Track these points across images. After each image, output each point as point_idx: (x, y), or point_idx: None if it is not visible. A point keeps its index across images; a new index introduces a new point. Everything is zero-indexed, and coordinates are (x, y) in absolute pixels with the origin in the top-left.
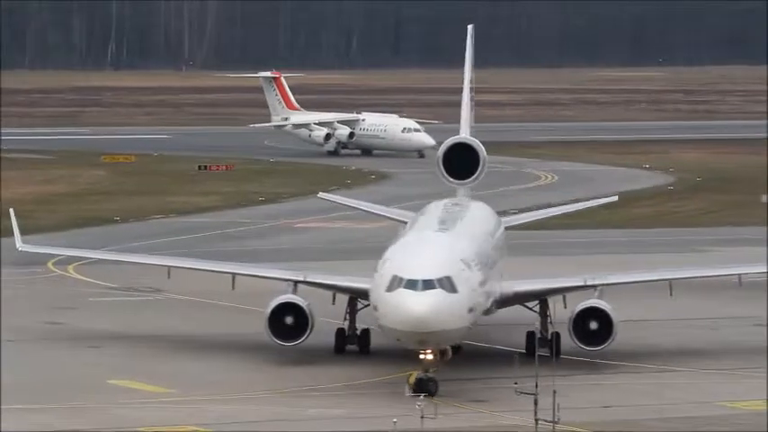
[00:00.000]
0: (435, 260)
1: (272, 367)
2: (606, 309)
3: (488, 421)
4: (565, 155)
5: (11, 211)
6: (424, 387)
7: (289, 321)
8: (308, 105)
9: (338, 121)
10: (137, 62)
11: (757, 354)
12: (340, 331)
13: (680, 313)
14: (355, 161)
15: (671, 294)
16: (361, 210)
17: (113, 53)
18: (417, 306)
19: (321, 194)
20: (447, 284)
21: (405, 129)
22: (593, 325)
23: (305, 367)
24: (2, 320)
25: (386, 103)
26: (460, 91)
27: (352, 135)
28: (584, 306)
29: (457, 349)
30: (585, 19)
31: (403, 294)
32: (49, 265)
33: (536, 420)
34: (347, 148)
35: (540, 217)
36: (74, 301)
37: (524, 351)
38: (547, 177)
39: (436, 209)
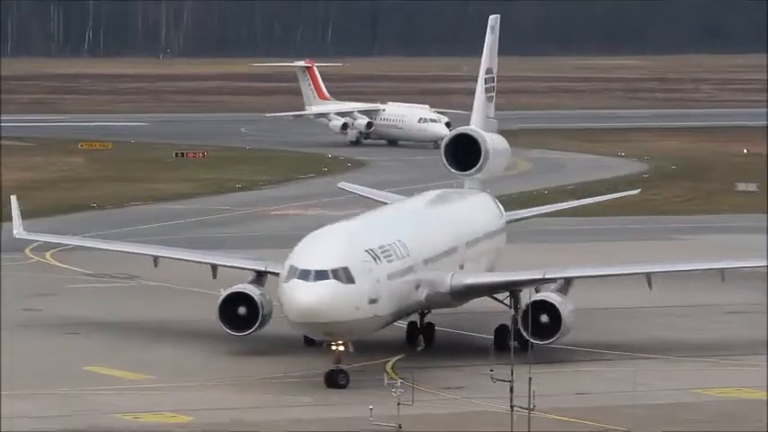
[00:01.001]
0: (334, 251)
1: (247, 355)
2: (555, 302)
3: (464, 408)
4: (541, 143)
5: (13, 198)
6: (335, 380)
7: (241, 312)
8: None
9: (359, 111)
10: (114, 50)
11: (729, 341)
12: None
13: (654, 301)
14: (341, 151)
15: (650, 288)
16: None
17: (90, 41)
18: (307, 296)
19: (342, 184)
20: (342, 275)
21: (421, 119)
22: (544, 318)
23: (281, 356)
24: None
25: (363, 90)
26: (438, 79)
27: (370, 125)
28: (535, 299)
29: (430, 341)
30: (562, 8)
31: (296, 285)
32: (27, 251)
33: (512, 407)
34: (369, 138)
35: (554, 210)
36: (51, 287)
37: (493, 345)
38: (522, 165)
39: (404, 200)
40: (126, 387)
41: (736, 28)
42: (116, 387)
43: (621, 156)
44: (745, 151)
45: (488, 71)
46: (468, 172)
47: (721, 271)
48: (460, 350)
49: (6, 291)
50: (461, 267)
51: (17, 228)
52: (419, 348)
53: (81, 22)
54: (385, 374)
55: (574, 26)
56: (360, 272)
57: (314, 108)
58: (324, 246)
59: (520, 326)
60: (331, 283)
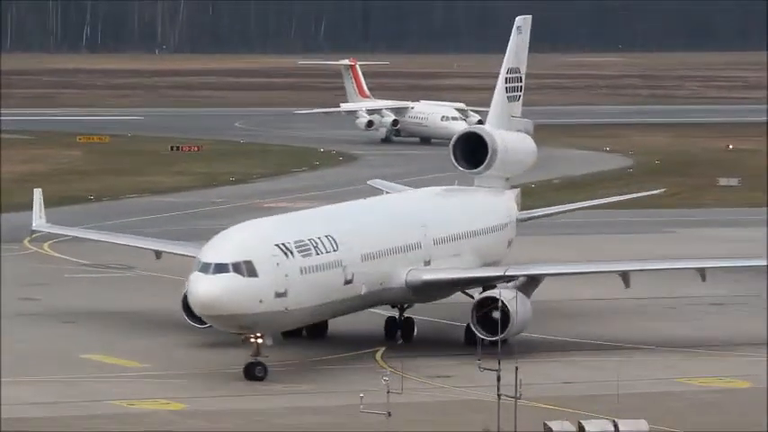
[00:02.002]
0: (239, 245)
1: (240, 345)
2: (504, 299)
3: (452, 396)
4: None
5: (37, 191)
6: (252, 372)
7: None
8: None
9: (388, 109)
10: (111, 45)
11: (713, 332)
12: None
13: (638, 293)
14: (333, 145)
15: (626, 286)
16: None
17: (88, 37)
18: (205, 289)
19: (371, 181)
20: (244, 268)
21: (443, 117)
22: (496, 314)
23: (274, 346)
24: None
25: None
26: (428, 76)
27: (395, 122)
28: (484, 296)
29: (409, 335)
30: (546, 5)
31: (197, 277)
32: (26, 242)
33: (498, 396)
34: (399, 135)
35: (571, 209)
36: (49, 277)
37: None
38: None
39: (374, 198)
40: (121, 375)
41: (718, 26)
42: (112, 375)
43: (606, 151)
44: (730, 147)
45: (512, 70)
46: (476, 170)
47: (702, 270)
48: (450, 341)
49: (5, 280)
50: (427, 263)
51: (37, 220)
52: (398, 342)
53: (79, 19)
54: (375, 363)
55: (560, 24)
56: (264, 266)
57: (345, 105)
58: (231, 240)
59: (472, 321)
60: (230, 276)
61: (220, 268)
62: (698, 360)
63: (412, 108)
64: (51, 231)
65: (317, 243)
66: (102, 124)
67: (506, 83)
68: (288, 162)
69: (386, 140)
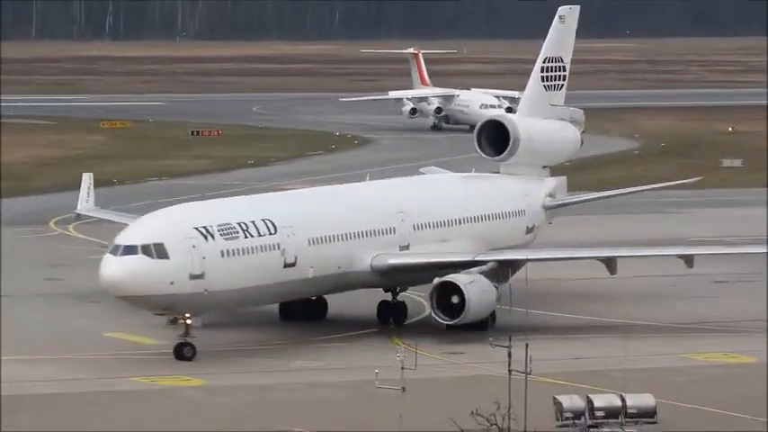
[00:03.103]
0: (153, 227)
1: (260, 322)
2: (460, 283)
3: (465, 372)
4: None
5: (87, 175)
6: (181, 352)
7: None
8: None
9: (434, 97)
10: (133, 33)
11: (715, 309)
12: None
13: (642, 271)
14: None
15: (611, 272)
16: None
17: (111, 24)
18: (111, 270)
19: (424, 169)
20: (153, 250)
21: (482, 105)
22: (455, 299)
23: (289, 322)
24: (2, 277)
25: (366, 72)
26: (440, 62)
27: (439, 110)
28: (442, 281)
29: (402, 319)
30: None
31: (106, 259)
32: (51, 224)
33: (509, 371)
34: (449, 122)
35: (604, 196)
36: (74, 258)
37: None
38: None
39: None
40: (143, 352)
41: (722, 13)
42: (135, 352)
43: (614, 134)
44: (731, 129)
45: (552, 59)
46: (498, 157)
47: (689, 257)
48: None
49: (31, 261)
50: (404, 248)
51: (83, 203)
52: (391, 327)
53: (102, 7)
54: (389, 340)
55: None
56: (177, 248)
57: (392, 93)
58: (147, 223)
59: (431, 305)
60: (137, 258)
61: (129, 250)
62: (702, 336)
63: (458, 96)
64: (95, 215)
65: (247, 226)
66: (125, 110)
67: (543, 71)
68: (306, 145)
69: (435, 128)
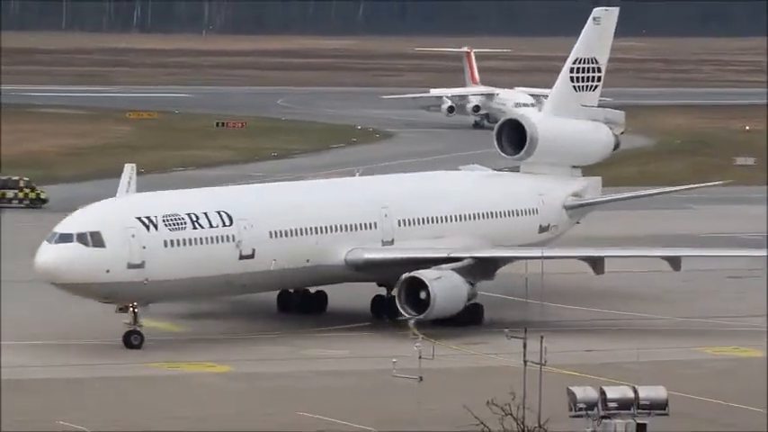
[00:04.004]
0: (91, 216)
1: (279, 313)
2: (426, 279)
3: (481, 363)
4: None
5: (130, 165)
6: (129, 340)
7: None
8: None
9: (473, 95)
10: (160, 26)
11: (728, 303)
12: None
13: (657, 265)
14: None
15: (596, 272)
16: None
17: (139, 17)
18: (43, 258)
19: (464, 167)
20: (89, 239)
21: (516, 104)
22: (423, 294)
23: (305, 315)
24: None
25: (387, 67)
26: (460, 57)
27: (477, 108)
28: (409, 275)
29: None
30: None
31: (42, 247)
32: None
33: (525, 362)
34: (490, 120)
35: (630, 197)
36: None
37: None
38: None
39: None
40: (169, 338)
41: (734, 13)
42: (159, 339)
43: (629, 131)
44: (747, 128)
45: (583, 60)
46: (515, 156)
47: (677, 259)
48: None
49: None
50: (388, 243)
51: (122, 193)
52: (386, 321)
53: (130, 0)
54: (411, 331)
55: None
56: (115, 237)
57: (433, 91)
58: (87, 212)
59: (398, 299)
60: (71, 246)
61: (65, 238)
62: (714, 331)
63: (497, 95)
64: None
65: (197, 217)
66: (152, 101)
67: (573, 72)
68: (328, 138)
69: (476, 126)
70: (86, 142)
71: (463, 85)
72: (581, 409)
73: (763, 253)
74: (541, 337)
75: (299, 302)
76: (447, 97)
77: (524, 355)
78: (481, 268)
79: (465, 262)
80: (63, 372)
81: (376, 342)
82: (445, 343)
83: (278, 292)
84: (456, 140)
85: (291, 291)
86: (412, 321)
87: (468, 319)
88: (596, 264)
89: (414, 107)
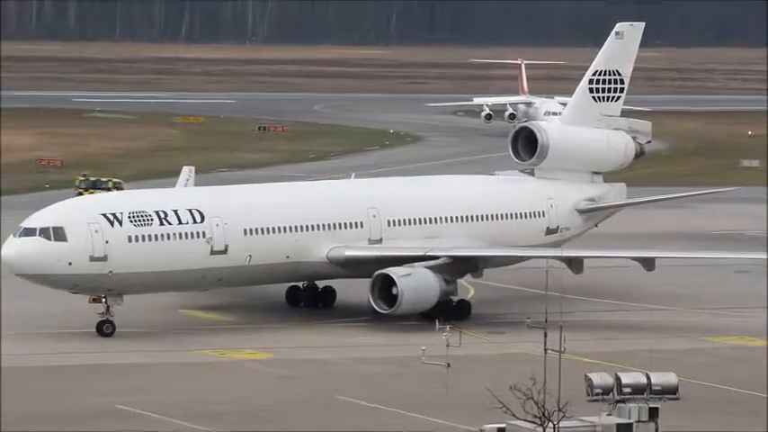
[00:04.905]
0: (56, 212)
1: (313, 306)
2: (394, 275)
3: (504, 350)
4: None
5: (189, 168)
6: (101, 329)
7: None
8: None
9: (510, 104)
10: (207, 37)
11: (735, 295)
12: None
13: (670, 261)
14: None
15: (574, 272)
16: None
17: (187, 29)
18: (6, 251)
19: (499, 172)
20: (52, 233)
21: (546, 112)
22: (394, 290)
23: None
24: None
25: (416, 75)
26: (487, 66)
27: (512, 116)
28: (379, 272)
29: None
30: (595, 5)
31: (7, 240)
32: None
33: (545, 350)
34: None
35: (647, 201)
36: None
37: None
38: None
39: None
40: (213, 327)
41: (743, 26)
42: (206, 327)
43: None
44: (750, 133)
45: (603, 72)
46: (528, 161)
47: (650, 260)
48: (505, 301)
49: None
50: (376, 242)
51: None
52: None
53: (179, 11)
54: (436, 321)
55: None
56: (77, 232)
57: (476, 99)
58: (53, 209)
59: (370, 295)
60: (34, 239)
61: (28, 232)
62: (723, 320)
63: (533, 104)
64: None
65: (166, 214)
66: (198, 107)
67: (592, 83)
68: (361, 141)
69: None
70: (138, 145)
71: (520, 94)
72: (597, 394)
73: (726, 255)
74: (561, 327)
75: (305, 297)
76: (487, 105)
77: (545, 344)
78: (460, 267)
79: (441, 260)
80: (128, 357)
81: (404, 332)
82: (470, 331)
83: (287, 286)
84: (485, 145)
85: (300, 286)
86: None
87: (455, 315)
88: (571, 263)
89: (446, 113)
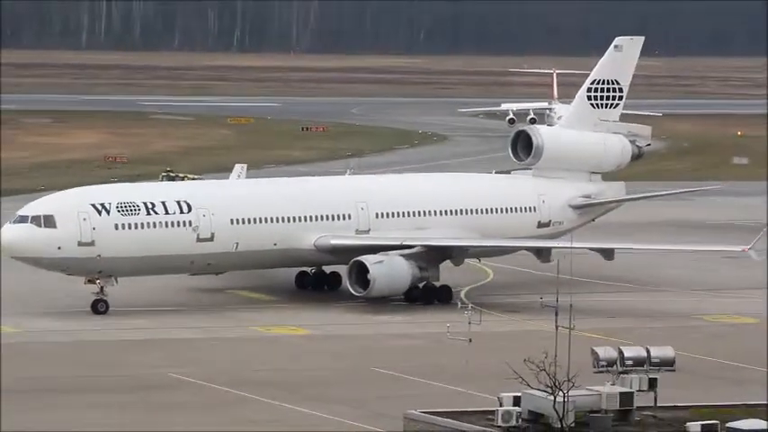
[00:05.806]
0: (48, 202)
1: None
2: (366, 263)
3: (520, 327)
4: None
5: (241, 165)
6: (96, 307)
7: None
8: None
9: (535, 109)
10: (255, 47)
11: (725, 279)
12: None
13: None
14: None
15: (542, 261)
16: None
17: (238, 39)
18: (3, 235)
19: (515, 171)
20: (42, 221)
21: (559, 117)
22: (370, 276)
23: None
24: None
25: (443, 81)
26: (506, 74)
27: (533, 121)
28: (355, 260)
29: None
30: (600, 15)
31: (4, 226)
32: None
33: (556, 327)
34: None
35: (643, 197)
36: None
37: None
38: None
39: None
40: (259, 306)
41: (735, 35)
42: (252, 306)
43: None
44: (739, 133)
45: (601, 81)
46: (524, 161)
47: (610, 250)
48: (520, 284)
49: None
50: (364, 232)
51: None
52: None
53: (231, 23)
54: (459, 300)
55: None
56: (67, 220)
57: (504, 105)
58: (46, 199)
59: (348, 280)
60: (26, 226)
61: (22, 219)
62: (713, 300)
63: (553, 109)
64: None
65: (153, 205)
66: (248, 109)
67: (590, 91)
68: (392, 141)
69: None
70: (195, 143)
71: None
72: (603, 366)
73: (683, 247)
74: (570, 306)
75: (312, 281)
76: (512, 110)
77: (556, 321)
78: (435, 255)
79: (415, 249)
80: (184, 333)
81: (432, 309)
82: (490, 310)
83: (297, 271)
84: (503, 145)
85: (308, 271)
86: (463, 293)
87: (437, 298)
88: (540, 253)
89: (470, 116)
